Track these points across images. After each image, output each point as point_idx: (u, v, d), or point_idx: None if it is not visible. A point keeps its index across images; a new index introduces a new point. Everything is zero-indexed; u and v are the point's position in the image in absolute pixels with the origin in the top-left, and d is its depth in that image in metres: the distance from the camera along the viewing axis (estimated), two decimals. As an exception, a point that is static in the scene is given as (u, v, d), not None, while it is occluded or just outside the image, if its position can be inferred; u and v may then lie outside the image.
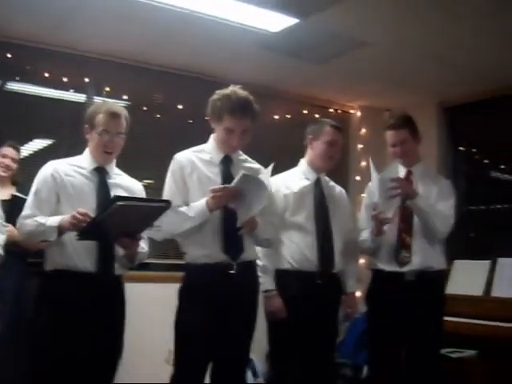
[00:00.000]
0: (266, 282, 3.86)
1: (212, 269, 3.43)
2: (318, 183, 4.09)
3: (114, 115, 3.44)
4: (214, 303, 3.38)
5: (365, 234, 4.08)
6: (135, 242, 3.32)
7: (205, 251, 3.45)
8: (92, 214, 3.15)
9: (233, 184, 3.30)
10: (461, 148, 7.09)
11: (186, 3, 4.65)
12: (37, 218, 3.26)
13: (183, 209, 3.45)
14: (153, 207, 3.16)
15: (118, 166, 3.61)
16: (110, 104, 3.58)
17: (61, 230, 3.19)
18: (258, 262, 3.82)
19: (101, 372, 3.35)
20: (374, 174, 3.83)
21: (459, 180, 6.89)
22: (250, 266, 3.61)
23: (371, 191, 4.00)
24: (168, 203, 3.16)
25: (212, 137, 3.66)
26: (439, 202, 4.03)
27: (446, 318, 4.18)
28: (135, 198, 3.24)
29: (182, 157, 3.60)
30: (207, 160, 3.57)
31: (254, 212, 3.34)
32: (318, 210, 4.02)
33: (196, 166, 3.55)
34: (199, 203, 3.41)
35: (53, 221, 3.22)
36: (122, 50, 5.69)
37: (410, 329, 3.92)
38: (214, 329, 3.40)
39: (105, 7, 4.74)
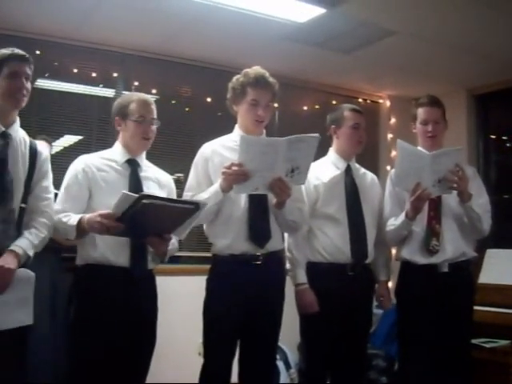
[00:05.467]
0: (298, 275, 3.83)
1: (237, 260, 3.45)
2: (348, 171, 4.05)
3: (146, 102, 3.48)
4: (240, 294, 3.40)
5: (392, 222, 3.99)
6: (165, 242, 3.33)
7: (229, 241, 3.47)
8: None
9: (239, 154, 3.27)
10: (491, 136, 7.02)
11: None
12: (62, 215, 3.26)
13: (200, 194, 3.47)
14: (180, 208, 3.15)
15: (148, 159, 3.63)
16: (138, 93, 3.59)
17: (83, 229, 3.19)
18: (289, 254, 3.83)
19: (135, 364, 3.38)
20: (413, 153, 3.75)
21: (490, 168, 6.84)
22: (276, 256, 3.61)
23: (398, 177, 3.89)
24: (198, 205, 3.15)
25: (236, 126, 3.69)
26: (479, 199, 3.93)
27: (479, 308, 4.15)
28: (162, 197, 3.21)
29: (207, 147, 3.63)
30: (232, 147, 3.55)
31: (278, 173, 3.32)
32: (349, 199, 3.97)
33: (220, 153, 3.57)
34: (214, 185, 3.44)
35: (73, 220, 3.22)
36: (150, 44, 5.71)
37: (440, 322, 3.87)
38: (240, 318, 3.44)
39: (131, 1, 4.76)
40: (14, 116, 3.15)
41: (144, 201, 2.95)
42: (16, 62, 3.10)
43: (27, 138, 3.21)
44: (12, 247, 2.99)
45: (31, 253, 3.08)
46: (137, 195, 2.99)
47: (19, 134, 3.16)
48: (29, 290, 3.04)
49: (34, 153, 3.19)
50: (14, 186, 3.05)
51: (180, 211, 3.15)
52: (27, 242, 3.06)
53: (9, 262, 2.95)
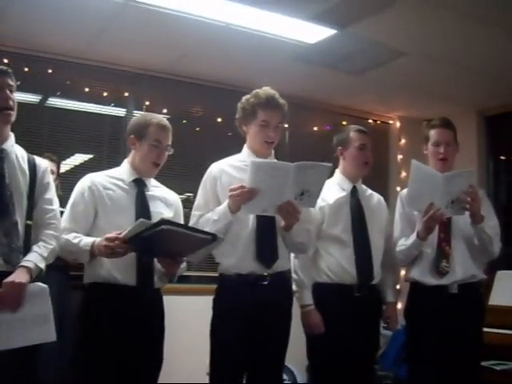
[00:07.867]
0: (304, 297, 3.82)
1: (244, 280, 3.43)
2: (354, 193, 4.04)
3: (165, 128, 3.48)
4: (247, 314, 3.38)
5: (403, 242, 3.96)
6: (176, 264, 3.34)
7: (236, 260, 3.44)
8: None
9: (248, 178, 3.25)
10: (501, 157, 7.01)
11: (223, 16, 4.69)
12: (70, 236, 3.27)
13: (209, 214, 3.46)
14: (197, 237, 3.16)
15: (158, 179, 3.64)
16: (158, 116, 3.59)
17: (93, 253, 3.21)
18: (295, 275, 3.81)
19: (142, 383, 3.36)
20: (427, 174, 3.73)
21: (500, 190, 6.83)
22: (283, 276, 3.58)
23: (411, 197, 3.86)
24: (215, 237, 3.17)
25: (245, 146, 3.69)
26: (488, 221, 3.87)
27: (489, 330, 4.11)
28: (181, 224, 3.26)
29: (215, 167, 3.62)
30: (240, 167, 3.56)
31: (287, 196, 3.29)
32: (355, 221, 3.96)
33: (228, 173, 3.55)
34: (222, 205, 3.41)
35: (85, 243, 3.23)
36: (161, 63, 5.75)
37: (450, 343, 3.84)
38: (247, 339, 3.40)
39: (143, 21, 4.79)
40: (6, 132, 3.13)
41: (163, 226, 2.96)
42: None
43: (24, 154, 3.20)
44: (22, 263, 2.98)
45: (42, 265, 3.07)
46: (154, 221, 3.02)
47: (15, 149, 3.15)
48: (46, 306, 3.04)
49: (32, 166, 3.18)
50: (15, 199, 3.04)
51: (196, 240, 3.17)
52: (36, 255, 3.06)
53: (20, 277, 2.93)
